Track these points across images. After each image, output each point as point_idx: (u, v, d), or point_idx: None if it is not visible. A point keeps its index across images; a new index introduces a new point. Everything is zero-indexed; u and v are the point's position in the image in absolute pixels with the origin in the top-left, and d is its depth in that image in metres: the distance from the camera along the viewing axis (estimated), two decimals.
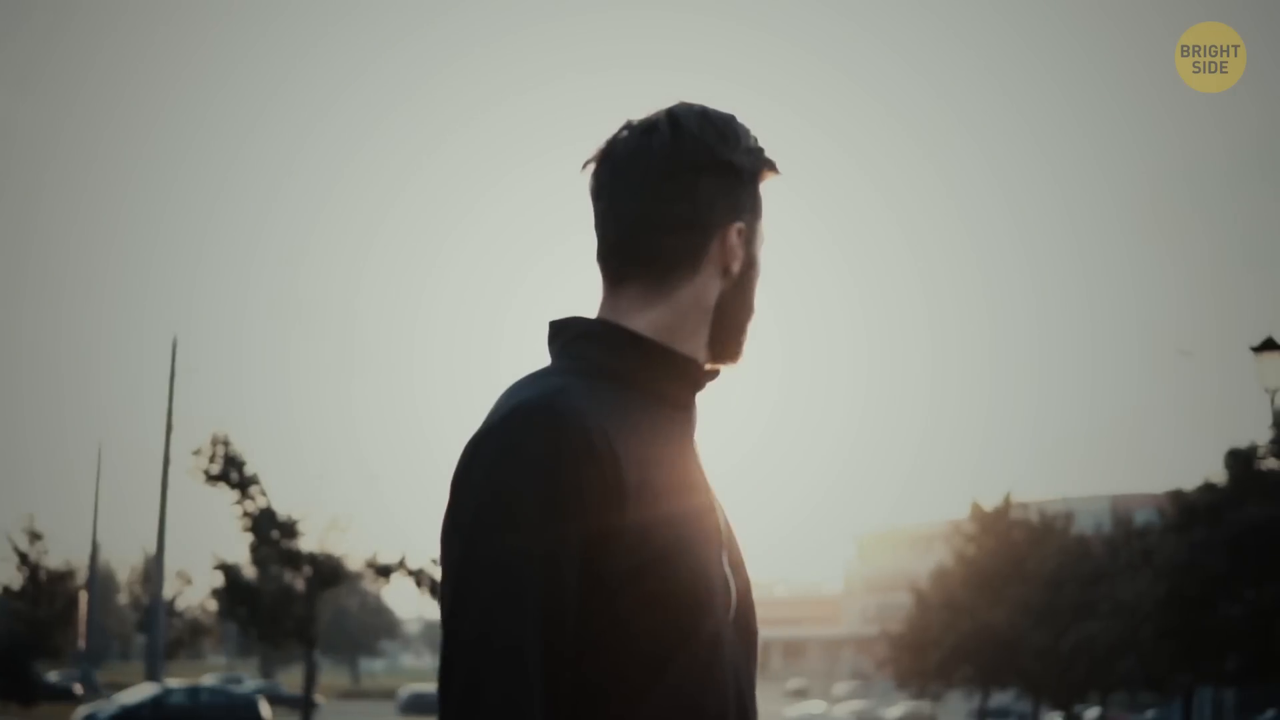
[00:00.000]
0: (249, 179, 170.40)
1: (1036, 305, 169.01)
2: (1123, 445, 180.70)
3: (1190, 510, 55.65)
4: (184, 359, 49.21)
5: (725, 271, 2.64)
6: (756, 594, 2.71)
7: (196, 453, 43.63)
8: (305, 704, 47.04)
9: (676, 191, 2.60)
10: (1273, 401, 27.54)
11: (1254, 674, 55.02)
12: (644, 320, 2.60)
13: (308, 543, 44.40)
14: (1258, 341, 27.76)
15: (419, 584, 45.90)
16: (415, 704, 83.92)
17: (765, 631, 2.74)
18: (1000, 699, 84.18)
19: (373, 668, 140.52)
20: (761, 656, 2.68)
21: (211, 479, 43.56)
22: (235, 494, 43.63)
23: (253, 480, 43.61)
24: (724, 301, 2.65)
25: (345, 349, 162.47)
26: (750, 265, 2.68)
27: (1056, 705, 69.75)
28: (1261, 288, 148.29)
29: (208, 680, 71.24)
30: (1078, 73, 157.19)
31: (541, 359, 2.62)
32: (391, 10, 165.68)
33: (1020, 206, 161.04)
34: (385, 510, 75.55)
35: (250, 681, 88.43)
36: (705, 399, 2.68)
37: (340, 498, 50.81)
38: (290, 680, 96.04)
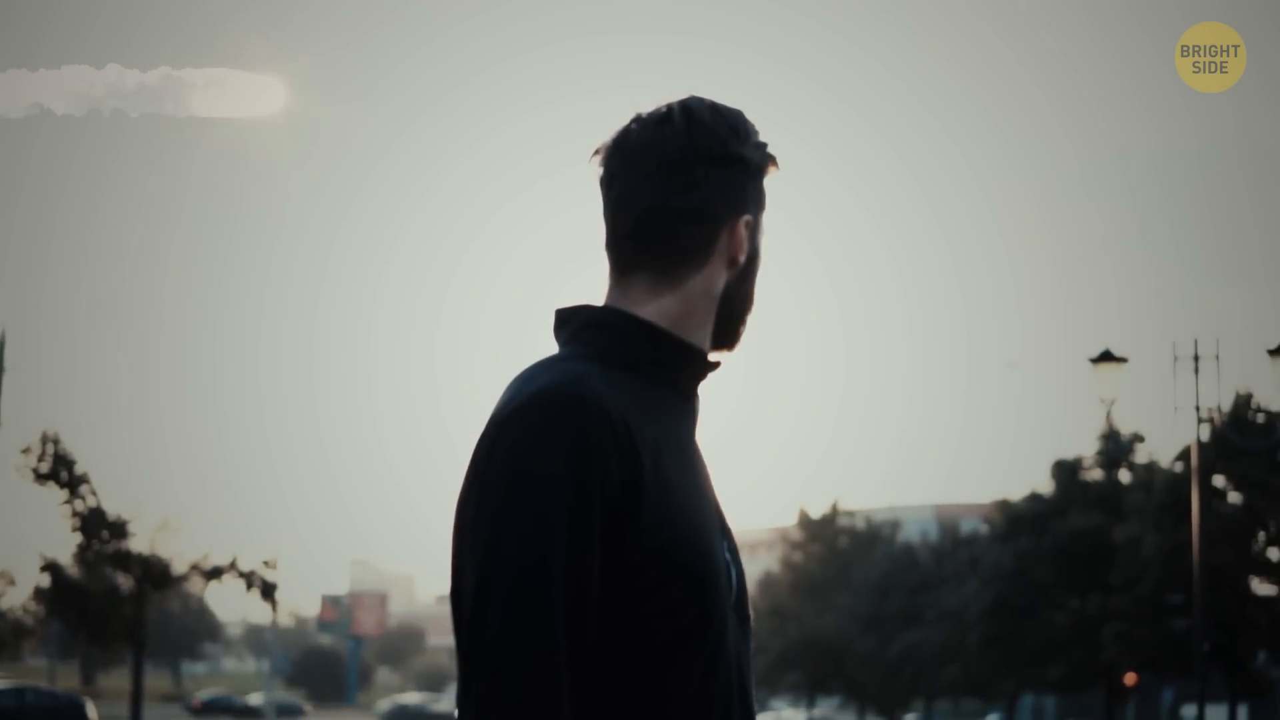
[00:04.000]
0: (85, 170, 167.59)
1: (867, 314, 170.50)
2: (948, 455, 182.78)
3: (1017, 520, 56.42)
4: (12, 356, 48.32)
5: (732, 263, 2.68)
6: None
7: (25, 451, 43.04)
8: (134, 706, 46.45)
9: (690, 183, 2.64)
10: (1108, 414, 27.96)
11: (1077, 682, 55.89)
12: (653, 309, 2.64)
13: (138, 543, 43.96)
14: (1088, 353, 28.10)
15: (250, 586, 45.62)
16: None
17: None
18: (826, 705, 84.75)
19: (194, 671, 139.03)
20: None
21: (40, 478, 43.00)
22: (64, 493, 43.09)
23: (83, 480, 43.11)
24: (728, 292, 2.70)
25: (178, 348, 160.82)
26: (754, 257, 2.73)
27: (882, 711, 70.34)
28: (1088, 301, 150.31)
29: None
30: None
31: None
32: None
33: (881, 215, 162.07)
34: (216, 511, 74.69)
35: None
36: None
37: (171, 498, 50.19)
38: (112, 685, 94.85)
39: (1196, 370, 27.69)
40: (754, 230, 2.72)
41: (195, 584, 49.15)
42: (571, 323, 2.66)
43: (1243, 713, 47.84)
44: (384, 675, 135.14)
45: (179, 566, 45.22)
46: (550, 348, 2.68)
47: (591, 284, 2.71)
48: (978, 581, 57.44)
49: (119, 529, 43.42)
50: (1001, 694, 63.25)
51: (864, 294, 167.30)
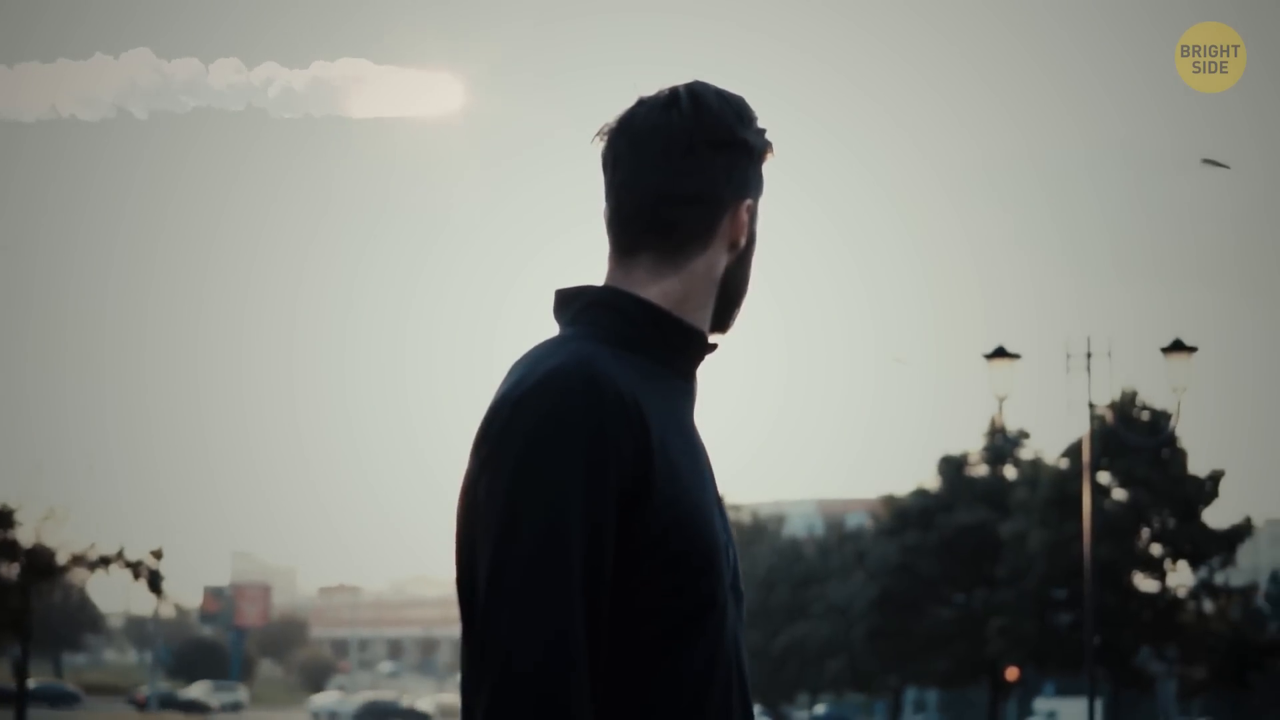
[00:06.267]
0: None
1: (753, 308, 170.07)
2: (834, 450, 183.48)
3: (902, 515, 56.86)
4: None
5: (733, 246, 2.71)
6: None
7: None
8: (19, 700, 46.06)
9: (696, 166, 2.66)
10: (999, 410, 28.16)
11: (961, 676, 56.38)
12: (656, 290, 2.65)
13: (23, 534, 43.61)
14: (975, 350, 28.41)
15: (137, 576, 45.32)
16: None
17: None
18: None
19: (75, 662, 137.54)
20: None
21: None
22: None
23: None
24: (728, 275, 2.73)
25: (65, 340, 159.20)
26: (752, 241, 2.76)
27: (767, 705, 70.55)
28: (975, 297, 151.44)
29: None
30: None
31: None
32: None
33: (769, 208, 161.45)
34: (98, 502, 73.98)
35: None
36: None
37: (54, 489, 49.73)
38: None
39: (1089, 368, 27.97)
40: (753, 214, 2.75)
41: (78, 574, 48.73)
42: (574, 304, 2.66)
43: (1105, 705, 48.41)
44: (266, 667, 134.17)
45: (63, 557, 44.86)
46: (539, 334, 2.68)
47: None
48: (863, 576, 57.83)
49: (4, 519, 43.06)
50: (886, 688, 63.64)
51: (751, 288, 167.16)
